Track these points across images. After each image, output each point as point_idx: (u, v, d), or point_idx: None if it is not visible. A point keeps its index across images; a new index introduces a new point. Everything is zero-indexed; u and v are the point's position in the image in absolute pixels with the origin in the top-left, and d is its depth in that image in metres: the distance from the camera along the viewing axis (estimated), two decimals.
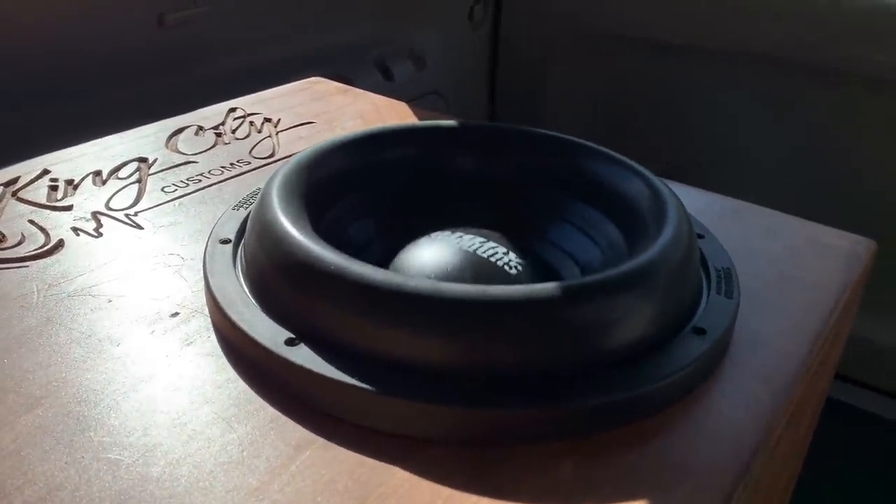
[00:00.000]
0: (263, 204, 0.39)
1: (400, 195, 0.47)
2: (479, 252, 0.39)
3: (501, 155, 0.48)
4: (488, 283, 0.35)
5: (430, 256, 0.40)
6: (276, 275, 0.37)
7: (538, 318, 0.33)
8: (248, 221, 0.41)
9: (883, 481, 1.01)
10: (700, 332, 0.37)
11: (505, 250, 0.40)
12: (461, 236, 0.40)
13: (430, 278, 0.37)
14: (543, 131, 0.49)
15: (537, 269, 0.41)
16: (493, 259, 0.39)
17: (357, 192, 0.45)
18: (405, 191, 0.47)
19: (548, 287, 0.33)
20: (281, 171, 0.42)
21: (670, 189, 0.43)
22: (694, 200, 0.52)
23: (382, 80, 0.99)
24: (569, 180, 0.46)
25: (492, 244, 0.40)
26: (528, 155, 0.48)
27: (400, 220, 0.45)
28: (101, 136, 0.58)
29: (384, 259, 0.41)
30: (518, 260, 0.40)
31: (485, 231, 0.41)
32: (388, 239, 0.44)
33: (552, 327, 0.33)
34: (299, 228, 0.37)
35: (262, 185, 0.48)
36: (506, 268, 0.39)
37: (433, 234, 0.41)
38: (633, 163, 0.45)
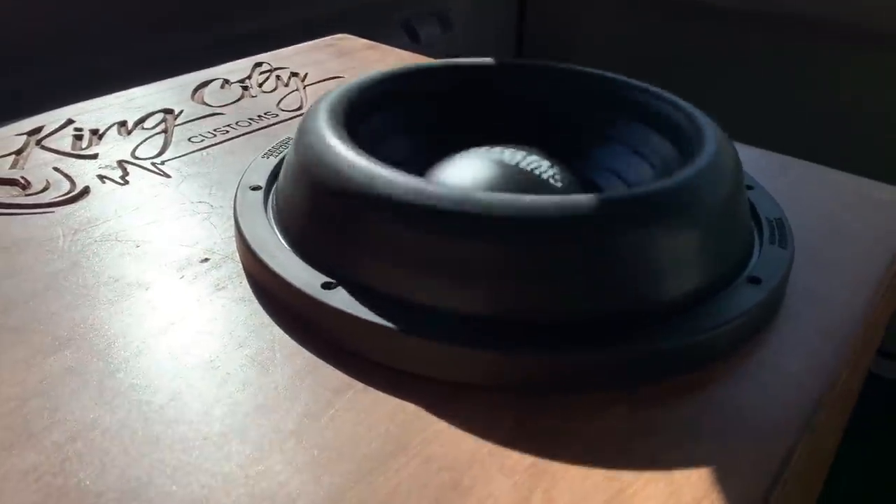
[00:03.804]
0: (309, 123, 0.38)
1: (438, 114, 0.45)
2: (521, 165, 0.37)
3: (546, 84, 0.46)
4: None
5: (469, 170, 0.37)
6: (316, 205, 0.35)
7: (577, 232, 0.31)
8: (293, 140, 0.39)
9: None
10: (755, 281, 0.35)
11: (549, 163, 0.37)
12: (502, 150, 0.38)
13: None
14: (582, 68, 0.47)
15: (582, 184, 0.39)
16: (536, 172, 0.36)
17: (393, 111, 0.43)
18: (445, 110, 0.45)
19: (584, 198, 0.31)
20: (326, 96, 0.40)
21: (710, 118, 0.41)
22: (740, 155, 0.49)
23: (408, 42, 0.97)
24: (614, 105, 0.44)
25: (535, 157, 0.37)
26: (570, 84, 0.46)
27: (438, 138, 0.43)
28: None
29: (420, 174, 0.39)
30: (563, 173, 0.37)
31: (526, 147, 0.39)
32: (424, 155, 0.42)
33: (595, 243, 0.31)
34: (345, 143, 0.35)
35: (292, 136, 0.46)
36: (550, 181, 0.36)
37: (471, 150, 0.39)
38: (674, 97, 0.43)
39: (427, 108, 0.44)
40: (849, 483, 0.80)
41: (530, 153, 0.38)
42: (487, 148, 0.39)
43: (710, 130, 0.38)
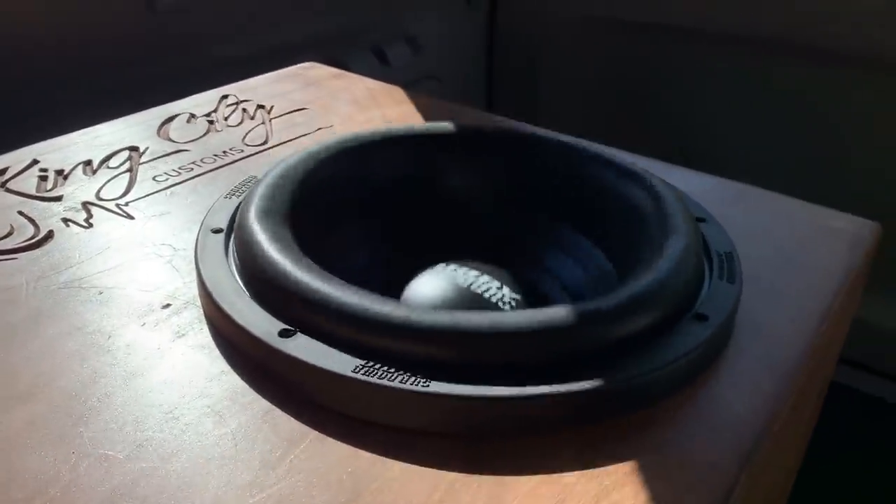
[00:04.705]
0: (244, 227, 0.39)
1: (392, 220, 0.47)
2: (472, 287, 0.40)
3: (495, 168, 0.48)
4: None
5: (427, 291, 0.40)
6: (267, 274, 0.36)
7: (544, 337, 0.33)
8: (233, 244, 0.40)
9: (888, 466, 1.00)
10: (702, 318, 0.37)
11: (499, 285, 0.40)
12: (455, 270, 0.41)
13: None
14: (541, 135, 0.49)
15: (531, 304, 0.41)
16: (486, 294, 0.39)
17: (349, 218, 0.45)
18: (397, 214, 0.47)
19: (557, 312, 0.33)
20: (261, 183, 0.42)
21: (674, 193, 0.42)
22: (696, 184, 0.51)
23: (378, 65, 0.98)
24: (565, 194, 0.46)
25: (486, 279, 0.40)
26: (523, 165, 0.48)
27: (394, 249, 0.46)
28: (91, 125, 0.57)
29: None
30: (512, 295, 0.40)
31: (479, 265, 0.41)
32: (383, 269, 0.44)
33: (555, 338, 0.33)
34: (291, 259, 0.36)
35: (255, 174, 0.47)
36: (499, 304, 0.39)
37: (431, 269, 0.42)
38: (635, 167, 0.44)
39: (377, 208, 0.47)
40: (815, 498, 0.81)
41: (482, 273, 0.41)
42: (443, 265, 0.41)
43: (679, 223, 0.40)
